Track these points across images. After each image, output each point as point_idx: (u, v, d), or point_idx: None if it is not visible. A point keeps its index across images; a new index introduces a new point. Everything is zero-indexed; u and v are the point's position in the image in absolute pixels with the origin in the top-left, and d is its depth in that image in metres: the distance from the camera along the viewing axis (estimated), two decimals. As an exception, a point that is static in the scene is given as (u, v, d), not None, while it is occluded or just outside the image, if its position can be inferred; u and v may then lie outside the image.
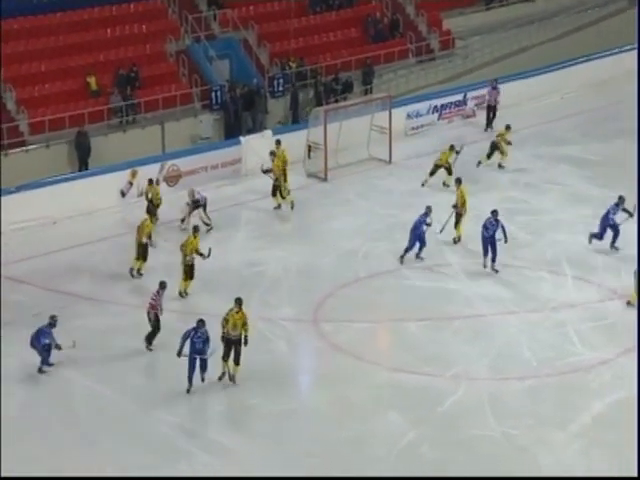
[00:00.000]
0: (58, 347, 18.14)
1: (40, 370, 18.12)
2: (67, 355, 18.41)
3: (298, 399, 17.92)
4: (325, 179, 26.74)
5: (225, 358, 17.71)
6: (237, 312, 17.80)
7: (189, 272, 20.86)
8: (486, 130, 29.28)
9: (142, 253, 21.67)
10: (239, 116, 28.69)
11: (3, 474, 14.41)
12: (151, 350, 18.74)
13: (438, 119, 30.06)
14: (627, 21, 34.91)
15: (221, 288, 21.13)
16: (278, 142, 25.54)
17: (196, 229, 21.40)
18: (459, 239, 22.89)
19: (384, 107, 27.84)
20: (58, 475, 15.45)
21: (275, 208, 24.81)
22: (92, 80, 27.67)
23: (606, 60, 32.65)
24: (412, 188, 26.13)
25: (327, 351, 19.10)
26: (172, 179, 26.09)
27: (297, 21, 31.15)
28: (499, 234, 21.46)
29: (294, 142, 26.97)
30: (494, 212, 21.68)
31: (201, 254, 20.88)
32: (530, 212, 24.56)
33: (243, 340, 17.68)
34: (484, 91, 30.49)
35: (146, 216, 22.49)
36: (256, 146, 27.10)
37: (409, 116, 29.50)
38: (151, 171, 25.61)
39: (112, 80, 27.99)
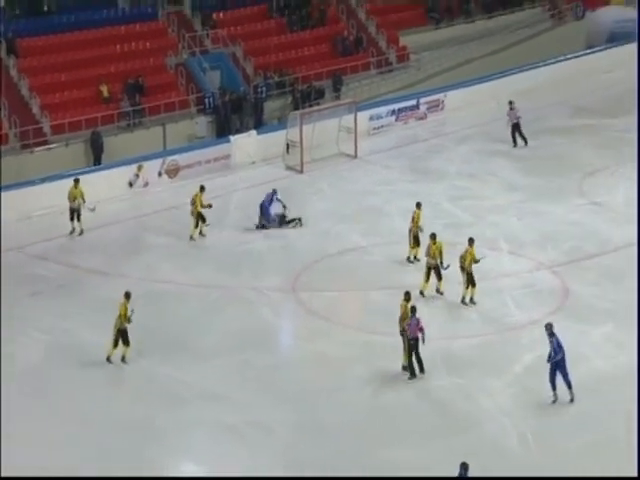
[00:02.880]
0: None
1: None
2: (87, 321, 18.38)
3: (280, 355, 17.98)
4: (301, 171, 26.68)
5: None
6: None
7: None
8: (514, 146, 27.54)
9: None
10: (228, 118, 28.57)
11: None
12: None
13: (395, 121, 29.98)
14: (551, 39, 34.98)
15: (216, 262, 21.15)
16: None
17: (202, 187, 22.19)
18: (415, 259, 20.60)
19: (350, 111, 27.84)
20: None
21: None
22: (104, 88, 27.43)
23: (534, 71, 32.72)
24: (375, 179, 26.14)
25: (304, 315, 19.15)
26: (172, 172, 25.99)
27: (277, 38, 30.94)
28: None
29: (277, 140, 26.99)
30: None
31: (209, 205, 21.65)
32: (472, 198, 24.58)
33: None
34: (434, 97, 30.55)
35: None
36: (243, 144, 27.14)
37: (371, 118, 29.40)
38: (154, 165, 25.57)
39: (121, 88, 27.74)
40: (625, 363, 17.14)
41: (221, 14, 31.07)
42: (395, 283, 20.13)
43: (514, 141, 27.84)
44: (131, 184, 25.20)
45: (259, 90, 29.26)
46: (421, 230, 20.70)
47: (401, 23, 33.59)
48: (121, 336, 16.97)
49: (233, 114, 28.62)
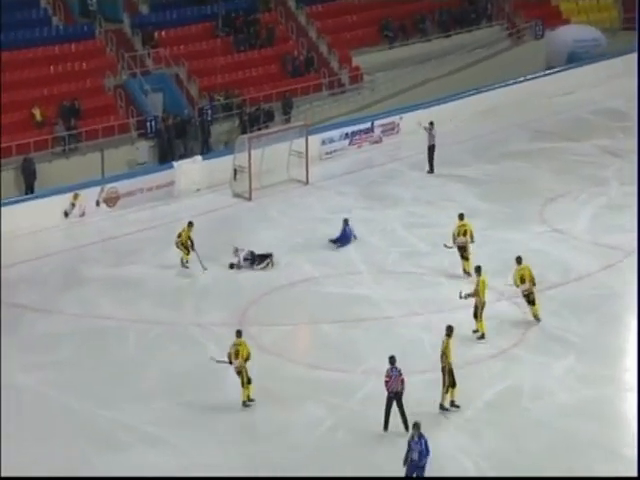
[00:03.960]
0: None
1: None
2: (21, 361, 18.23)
3: (226, 395, 17.96)
4: (250, 199, 26.78)
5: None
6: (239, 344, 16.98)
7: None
8: (430, 172, 27.86)
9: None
10: (172, 143, 28.60)
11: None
12: None
13: (349, 144, 30.24)
14: (510, 58, 35.74)
15: (159, 296, 21.12)
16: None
17: (190, 223, 21.94)
18: (482, 335, 19.48)
19: (301, 134, 28.02)
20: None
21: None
22: (37, 112, 27.30)
23: (493, 92, 33.37)
24: (327, 205, 26.35)
25: (253, 351, 19.15)
26: (111, 201, 25.92)
27: (223, 58, 31.15)
28: None
29: (223, 166, 27.09)
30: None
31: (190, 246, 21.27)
32: (429, 225, 24.82)
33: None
34: (389, 120, 30.93)
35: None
36: (187, 170, 27.20)
37: (323, 142, 29.62)
38: (92, 193, 25.48)
39: (56, 112, 27.64)
40: (589, 396, 17.47)
41: (163, 32, 31.17)
42: (349, 316, 20.33)
43: (430, 166, 28.01)
44: (67, 214, 25.11)
45: (204, 113, 29.37)
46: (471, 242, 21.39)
47: (354, 42, 34.04)
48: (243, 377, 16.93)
49: (177, 138, 28.69)
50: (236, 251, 22.61)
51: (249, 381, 17.15)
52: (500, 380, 18.01)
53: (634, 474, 14.29)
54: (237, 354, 17.07)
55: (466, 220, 21.81)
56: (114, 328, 19.83)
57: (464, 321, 19.97)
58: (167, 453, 15.94)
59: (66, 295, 21.31)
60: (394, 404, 16.29)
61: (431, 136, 27.98)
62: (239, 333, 17.38)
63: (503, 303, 20.85)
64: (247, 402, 17.19)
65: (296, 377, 18.22)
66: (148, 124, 28.46)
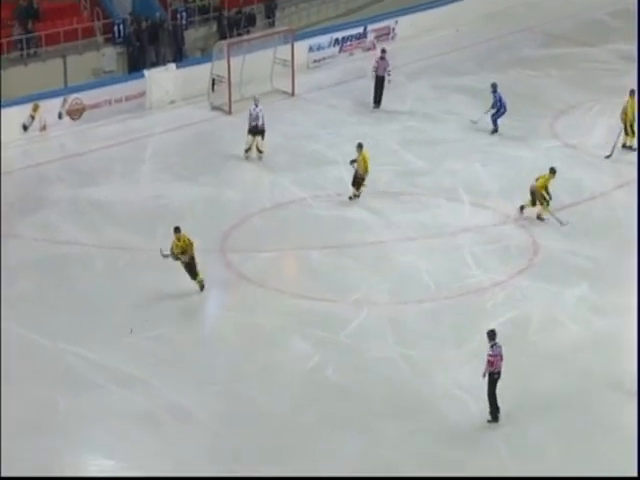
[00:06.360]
0: None
1: None
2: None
3: (204, 328, 17.64)
4: (230, 112, 26.17)
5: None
6: (179, 239, 17.75)
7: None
8: (376, 107, 25.79)
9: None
10: (142, 49, 27.81)
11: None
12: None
13: (339, 52, 29.63)
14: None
15: (128, 220, 20.65)
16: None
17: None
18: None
19: (287, 40, 27.30)
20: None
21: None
22: (-10, 13, 26.50)
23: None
24: (315, 120, 25.79)
25: (234, 280, 18.83)
26: (75, 112, 25.23)
27: (199, -46, 30.16)
28: None
29: (200, 76, 26.35)
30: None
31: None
32: (428, 142, 24.40)
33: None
34: (383, 24, 30.14)
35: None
36: (160, 79, 26.50)
37: (311, 49, 28.95)
38: (54, 105, 24.79)
39: (11, 12, 26.76)
40: (602, 328, 17.22)
41: None
42: (339, 241, 19.95)
43: (375, 100, 25.88)
44: (25, 127, 24.43)
45: (178, 16, 28.50)
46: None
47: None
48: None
49: (148, 44, 27.90)
50: (256, 102, 23.37)
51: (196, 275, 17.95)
52: (505, 311, 17.74)
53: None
54: (184, 251, 17.71)
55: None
56: (79, 255, 19.40)
57: (465, 245, 19.73)
58: (140, 393, 15.62)
59: (25, 219, 20.76)
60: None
61: (382, 64, 25.83)
62: (177, 229, 17.84)
63: (509, 226, 20.52)
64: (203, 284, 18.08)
65: (281, 309, 17.88)
66: (115, 28, 27.65)
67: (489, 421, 15.03)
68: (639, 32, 28.99)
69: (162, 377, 15.99)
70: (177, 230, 17.92)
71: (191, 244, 17.87)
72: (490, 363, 14.86)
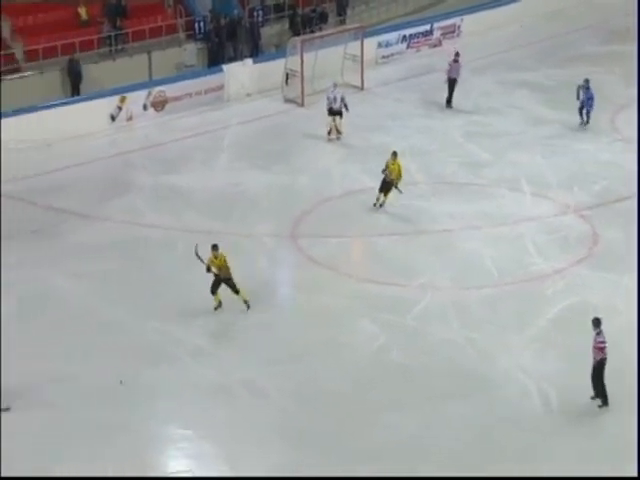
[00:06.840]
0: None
1: None
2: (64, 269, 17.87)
3: (277, 308, 17.46)
4: (302, 104, 25.94)
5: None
6: (216, 257, 16.33)
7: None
8: (449, 106, 25.19)
9: None
10: (221, 45, 27.76)
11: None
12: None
13: (407, 48, 29.29)
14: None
15: (207, 206, 20.53)
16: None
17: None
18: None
19: (356, 37, 27.02)
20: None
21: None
22: (83, 10, 26.63)
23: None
24: (383, 112, 25.46)
25: (303, 264, 18.60)
26: (159, 104, 25.28)
27: (276, -44, 29.98)
28: None
29: (275, 70, 26.19)
30: None
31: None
32: (492, 134, 23.92)
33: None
34: (449, 22, 29.66)
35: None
36: (237, 73, 26.41)
37: (380, 45, 28.68)
38: (139, 97, 24.88)
39: (101, 10, 26.93)
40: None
41: None
42: (405, 228, 19.62)
43: (448, 100, 25.17)
44: (113, 117, 24.52)
45: (255, 14, 28.38)
46: None
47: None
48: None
49: (226, 41, 27.83)
50: (334, 86, 23.46)
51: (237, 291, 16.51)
52: (565, 298, 17.23)
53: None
54: (220, 268, 16.28)
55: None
56: (160, 238, 19.37)
57: (526, 234, 19.25)
58: (216, 368, 15.48)
59: (111, 202, 20.82)
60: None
61: (455, 67, 25.16)
62: (215, 247, 16.32)
63: (569, 216, 19.96)
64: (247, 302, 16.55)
65: (348, 292, 17.59)
66: (196, 25, 27.73)
67: (599, 406, 14.47)
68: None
69: (234, 354, 15.87)
70: (215, 248, 16.33)
71: (227, 266, 16.29)
72: (600, 350, 14.36)
